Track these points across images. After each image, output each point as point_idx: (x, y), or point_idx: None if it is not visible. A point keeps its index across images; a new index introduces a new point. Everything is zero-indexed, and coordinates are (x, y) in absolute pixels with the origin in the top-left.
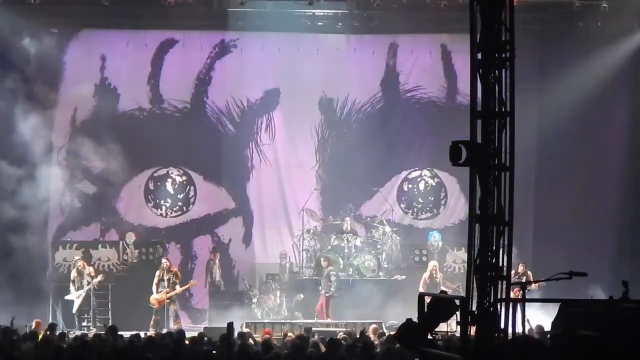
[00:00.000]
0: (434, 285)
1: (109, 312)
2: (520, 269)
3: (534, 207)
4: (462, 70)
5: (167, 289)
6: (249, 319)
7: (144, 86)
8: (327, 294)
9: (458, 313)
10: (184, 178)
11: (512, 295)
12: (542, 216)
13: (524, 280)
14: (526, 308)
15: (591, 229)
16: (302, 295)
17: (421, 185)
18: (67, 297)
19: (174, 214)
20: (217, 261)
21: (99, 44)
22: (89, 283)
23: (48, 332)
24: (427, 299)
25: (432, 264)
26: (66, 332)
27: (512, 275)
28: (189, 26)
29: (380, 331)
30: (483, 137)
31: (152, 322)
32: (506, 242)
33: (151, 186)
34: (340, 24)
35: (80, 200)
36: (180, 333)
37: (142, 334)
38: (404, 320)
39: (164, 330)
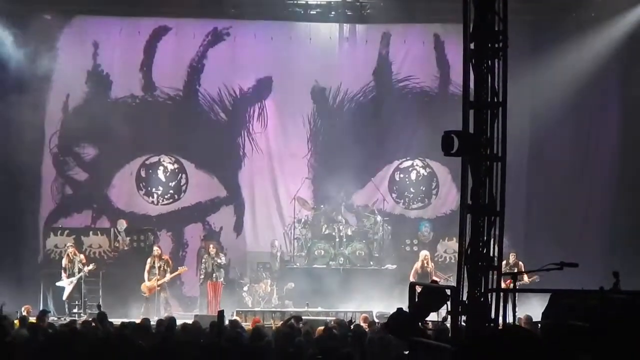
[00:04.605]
0: (425, 275)
1: (100, 299)
2: (512, 259)
3: (525, 198)
4: (455, 60)
5: (158, 277)
6: (239, 307)
7: (136, 73)
8: (220, 281)
9: (449, 303)
10: (176, 166)
11: (503, 285)
12: (534, 206)
13: (515, 271)
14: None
15: (583, 219)
16: (292, 284)
17: (413, 175)
18: (58, 284)
19: (165, 202)
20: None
21: (92, 31)
22: (80, 270)
23: (39, 319)
24: (418, 289)
25: (423, 253)
26: (56, 318)
27: (503, 266)
28: (182, 14)
29: (370, 320)
30: (475, 127)
31: (142, 310)
32: (497, 233)
33: (143, 174)
34: (333, 13)
35: (71, 186)
36: (171, 320)
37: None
38: (395, 310)
39: (155, 318)
